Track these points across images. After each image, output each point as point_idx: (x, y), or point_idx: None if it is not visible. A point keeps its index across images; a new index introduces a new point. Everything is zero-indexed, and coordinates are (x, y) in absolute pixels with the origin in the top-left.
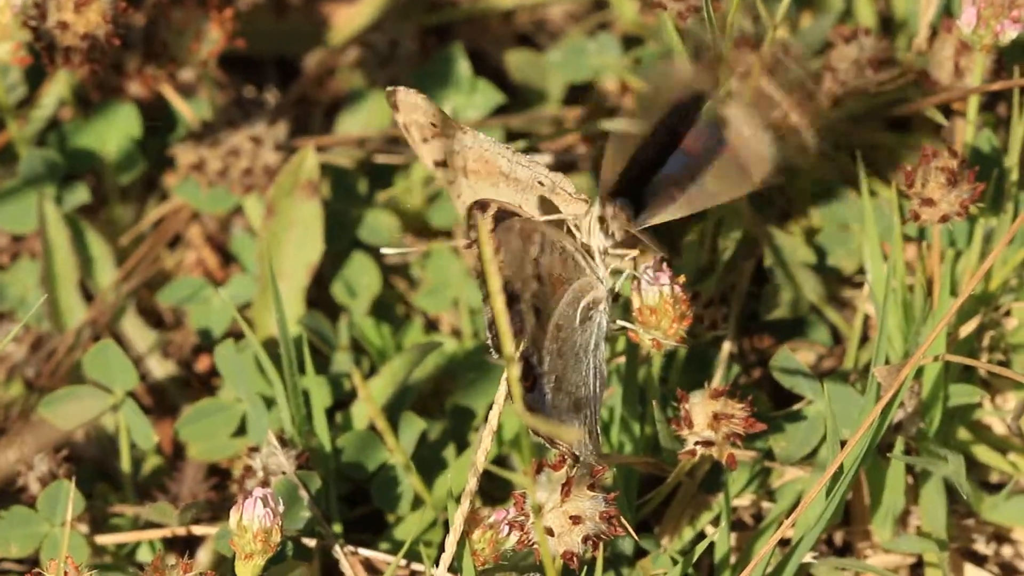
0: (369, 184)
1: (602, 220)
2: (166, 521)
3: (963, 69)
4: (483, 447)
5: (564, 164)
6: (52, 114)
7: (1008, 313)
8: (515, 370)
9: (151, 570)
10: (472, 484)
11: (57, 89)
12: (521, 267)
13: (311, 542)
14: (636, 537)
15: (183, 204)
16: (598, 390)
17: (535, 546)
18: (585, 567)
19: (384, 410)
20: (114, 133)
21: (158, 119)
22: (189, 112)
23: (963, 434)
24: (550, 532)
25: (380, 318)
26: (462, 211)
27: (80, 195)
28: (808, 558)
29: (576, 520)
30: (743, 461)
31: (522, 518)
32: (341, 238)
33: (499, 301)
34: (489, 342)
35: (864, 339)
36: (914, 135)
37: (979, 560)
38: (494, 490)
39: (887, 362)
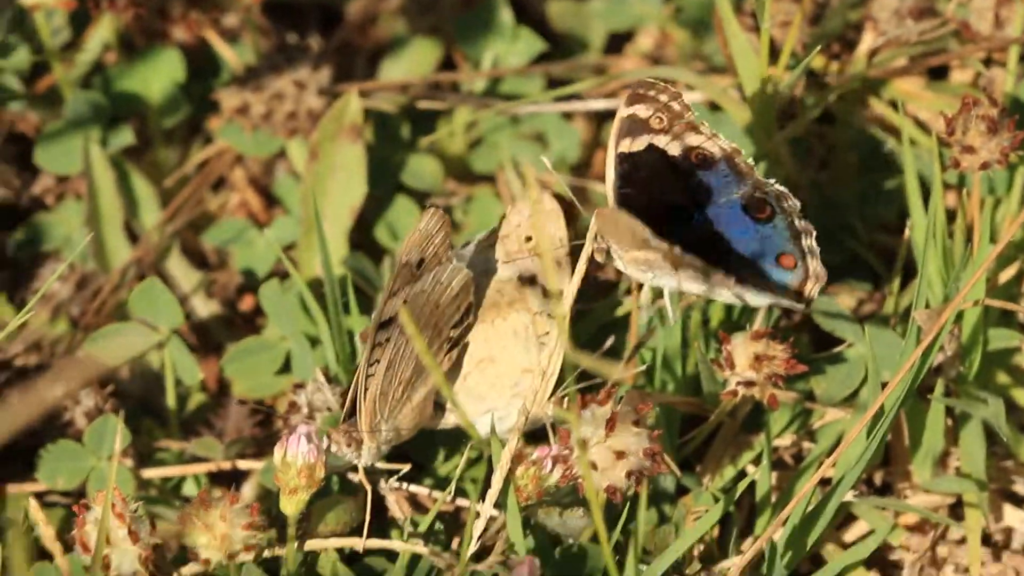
0: (412, 129)
1: None
2: (211, 455)
3: (1003, 19)
4: (531, 385)
5: (606, 114)
6: (97, 58)
7: None
8: (562, 308)
9: (197, 502)
10: (520, 422)
11: (102, 33)
12: None
13: (356, 478)
14: (679, 474)
15: (227, 147)
16: None
17: (579, 481)
18: (628, 503)
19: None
20: (158, 77)
21: (202, 64)
22: (233, 57)
23: (1002, 378)
24: (594, 467)
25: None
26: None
27: (125, 137)
28: (849, 497)
29: (620, 455)
30: (784, 402)
31: (566, 453)
32: (384, 182)
33: (545, 239)
34: None
35: (904, 285)
36: (954, 85)
37: (1018, 501)
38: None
39: (927, 306)
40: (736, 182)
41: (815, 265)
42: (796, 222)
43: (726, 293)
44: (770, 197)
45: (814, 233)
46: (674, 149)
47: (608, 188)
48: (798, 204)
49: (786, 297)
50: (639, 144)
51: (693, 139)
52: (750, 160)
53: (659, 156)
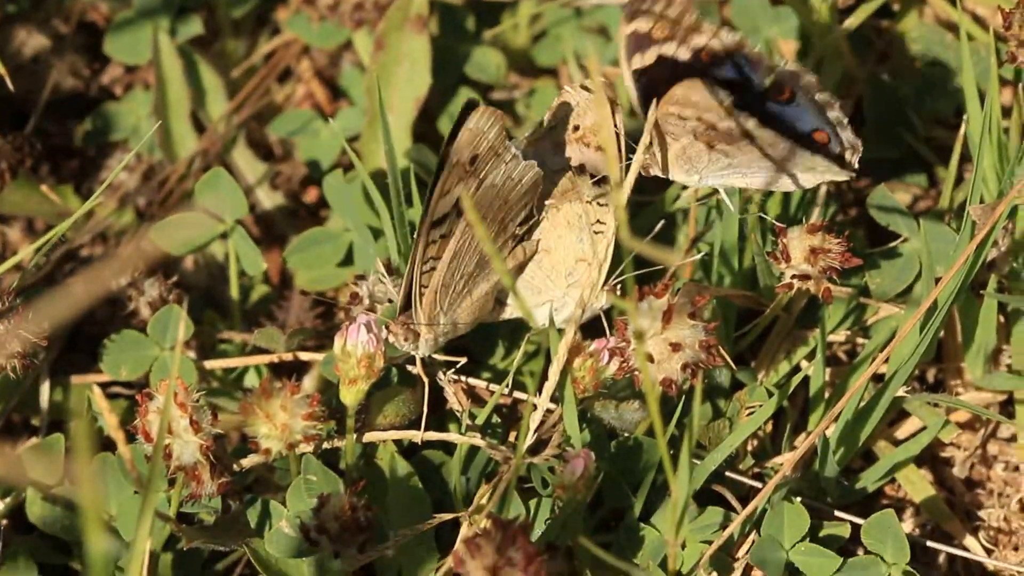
0: (476, 21)
1: None
2: (273, 347)
3: None
4: (589, 280)
5: None
6: None
7: None
8: (622, 196)
9: (258, 392)
10: (577, 313)
11: None
12: None
13: (415, 369)
14: (734, 368)
15: (294, 38)
16: None
17: (635, 373)
18: (683, 397)
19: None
20: None
21: None
22: None
23: None
24: (650, 358)
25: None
26: None
27: (193, 27)
28: (901, 392)
29: (676, 347)
30: (839, 297)
31: (623, 344)
32: (448, 74)
33: (607, 128)
34: None
35: (959, 181)
36: None
37: None
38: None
39: (982, 201)
40: (752, 70)
41: (847, 135)
42: (817, 96)
43: (780, 179)
44: (785, 77)
45: (837, 103)
46: (683, 54)
47: (633, 104)
48: (814, 78)
49: (833, 163)
50: (649, 58)
51: (698, 40)
52: (757, 48)
53: (671, 65)
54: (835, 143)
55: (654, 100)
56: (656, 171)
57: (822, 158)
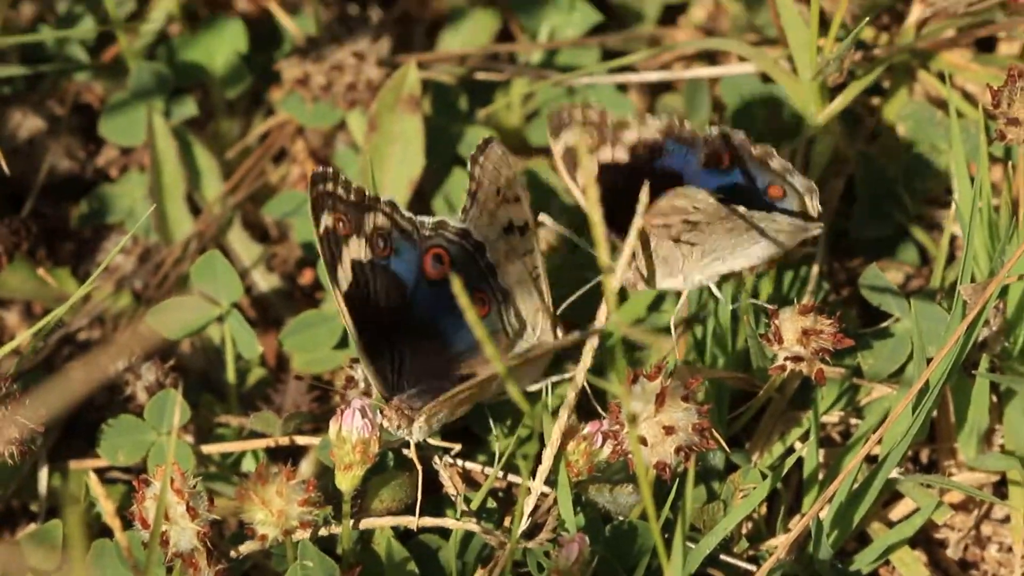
0: (469, 101)
1: None
2: (269, 431)
3: None
4: (583, 362)
5: (660, 85)
6: (161, 28)
7: None
8: (613, 282)
9: (255, 477)
10: (571, 398)
11: (166, 4)
12: None
13: (411, 453)
14: (728, 450)
15: (288, 119)
16: None
17: (629, 456)
18: (677, 480)
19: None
20: (221, 48)
21: (264, 35)
22: (294, 28)
23: None
24: (644, 442)
25: None
26: None
27: (188, 108)
28: (894, 474)
29: (669, 430)
30: (832, 377)
31: (616, 427)
32: (442, 153)
33: (596, 213)
34: None
35: (951, 259)
36: (1001, 57)
37: None
38: (584, 402)
39: (973, 281)
40: (690, 152)
41: (799, 180)
42: (755, 152)
43: (759, 250)
44: (718, 144)
45: (774, 150)
46: (621, 155)
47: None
48: (743, 134)
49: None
50: (591, 169)
51: (628, 135)
52: (686, 123)
53: (614, 171)
54: (791, 193)
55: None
56: (642, 286)
57: (780, 214)
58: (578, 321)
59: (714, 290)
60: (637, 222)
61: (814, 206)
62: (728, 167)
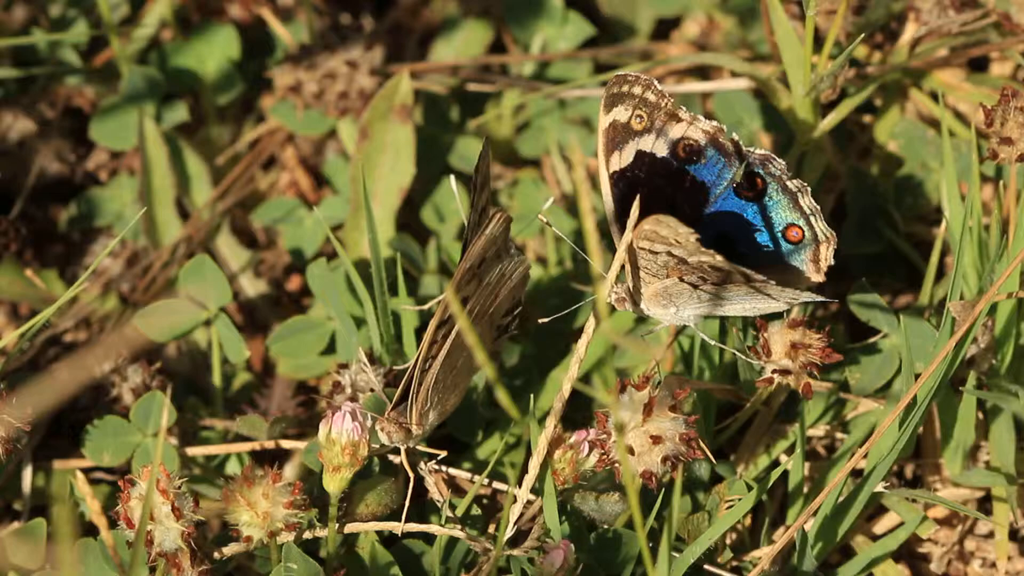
0: (461, 111)
1: None
2: (255, 434)
3: None
4: (571, 373)
5: None
6: (154, 34)
7: None
8: (603, 290)
9: (240, 479)
10: (558, 407)
11: (159, 9)
12: None
13: (397, 460)
14: (714, 461)
15: (279, 126)
16: None
17: (615, 465)
18: (663, 490)
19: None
20: (213, 54)
21: (257, 42)
22: (287, 35)
23: None
24: (630, 451)
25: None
26: None
27: (179, 114)
28: (879, 488)
29: (656, 440)
30: (819, 392)
31: (603, 436)
32: (432, 163)
33: (589, 222)
34: None
35: (940, 277)
36: (994, 77)
37: None
38: (570, 412)
39: (962, 298)
40: (726, 167)
41: (821, 226)
42: (788, 184)
43: (754, 303)
44: (755, 165)
45: (808, 188)
46: (661, 148)
47: (608, 215)
48: (783, 163)
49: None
50: (628, 155)
51: (676, 130)
52: (734, 136)
53: (649, 163)
54: (809, 236)
55: (629, 225)
56: (629, 307)
57: (798, 291)
58: (565, 330)
59: (701, 334)
60: (626, 238)
61: (827, 256)
62: (757, 194)
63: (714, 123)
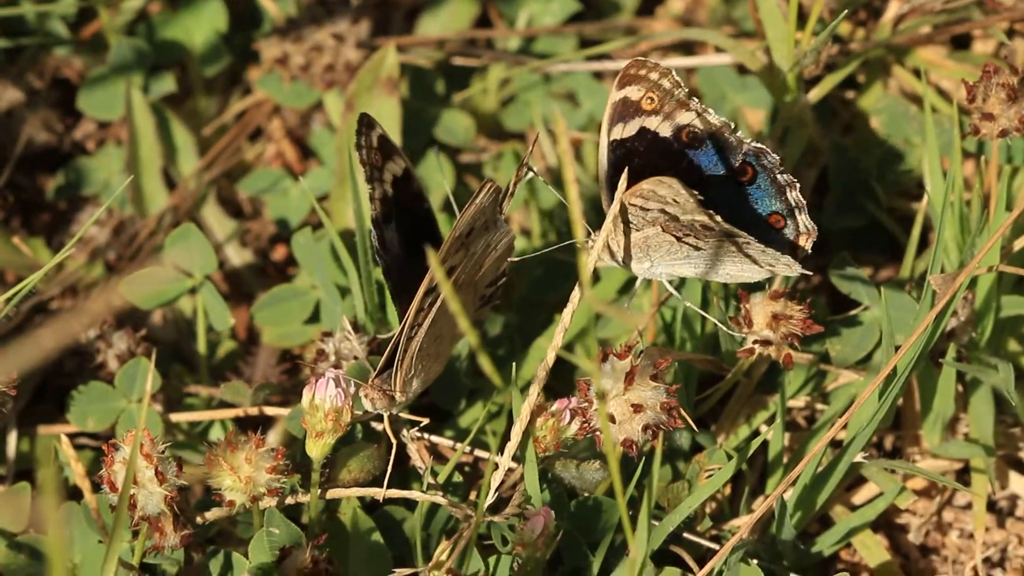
0: (446, 85)
1: None
2: (239, 401)
3: None
4: (555, 341)
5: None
6: (142, 6)
7: None
8: (586, 259)
9: (224, 444)
10: (541, 375)
11: None
12: None
13: (380, 427)
14: (695, 430)
15: (265, 98)
16: None
17: (596, 433)
18: (643, 458)
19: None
20: (201, 26)
21: (244, 14)
22: (274, 8)
23: (1013, 345)
24: (612, 419)
25: (453, 215)
26: None
27: (166, 84)
28: (859, 458)
29: (638, 408)
30: (799, 363)
31: (585, 404)
32: (418, 136)
33: (573, 191)
34: None
35: (921, 250)
36: (976, 54)
37: None
38: (551, 382)
39: (942, 271)
40: (723, 157)
41: (803, 220)
42: (778, 176)
43: (728, 268)
44: (749, 156)
45: (798, 185)
46: (665, 130)
47: (600, 177)
48: (777, 158)
49: (783, 255)
50: (631, 129)
51: (683, 117)
52: (739, 133)
53: (650, 140)
54: (791, 227)
55: (620, 184)
56: (608, 260)
57: (778, 253)
58: (547, 300)
59: (669, 288)
60: (616, 205)
61: (805, 247)
62: (748, 181)
63: (722, 119)
